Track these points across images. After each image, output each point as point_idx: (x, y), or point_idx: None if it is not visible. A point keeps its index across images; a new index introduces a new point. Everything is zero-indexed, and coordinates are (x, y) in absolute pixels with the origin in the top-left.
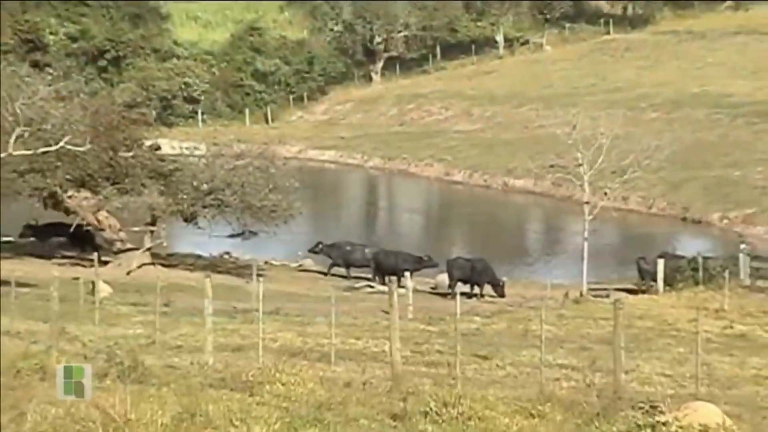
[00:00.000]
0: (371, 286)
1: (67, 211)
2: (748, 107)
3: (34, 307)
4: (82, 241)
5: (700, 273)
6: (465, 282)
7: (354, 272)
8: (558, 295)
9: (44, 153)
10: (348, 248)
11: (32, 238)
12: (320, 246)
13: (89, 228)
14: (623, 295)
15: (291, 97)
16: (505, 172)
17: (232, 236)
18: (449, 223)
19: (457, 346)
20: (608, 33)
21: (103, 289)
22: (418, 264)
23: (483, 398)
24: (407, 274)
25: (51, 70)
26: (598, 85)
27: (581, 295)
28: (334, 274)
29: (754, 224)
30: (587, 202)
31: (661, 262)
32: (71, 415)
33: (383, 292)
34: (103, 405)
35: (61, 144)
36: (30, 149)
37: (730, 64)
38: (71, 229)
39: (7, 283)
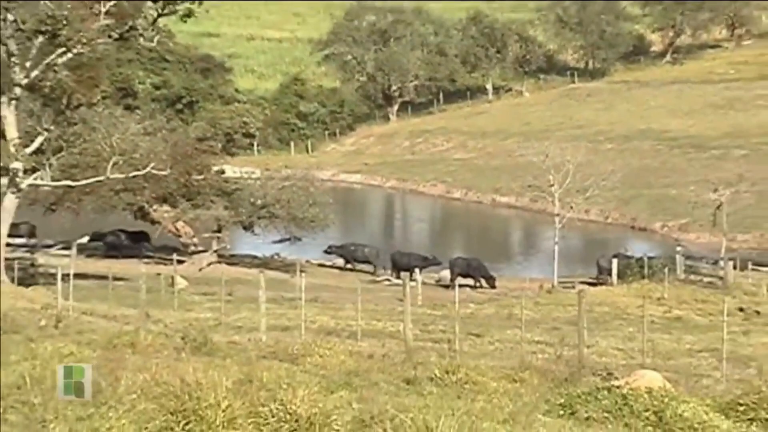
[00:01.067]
0: (389, 280)
1: (153, 221)
2: (682, 140)
3: (126, 296)
4: (141, 242)
5: (646, 269)
6: (463, 276)
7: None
8: (534, 287)
9: (134, 176)
10: (352, 248)
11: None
12: (332, 247)
13: (145, 232)
14: (585, 286)
15: (326, 132)
16: (493, 190)
17: (280, 241)
18: (450, 231)
19: (456, 326)
20: (573, 82)
21: (180, 282)
22: (425, 262)
23: (476, 367)
24: (417, 270)
25: (139, 112)
26: (566, 123)
27: (552, 286)
28: (359, 270)
29: (688, 231)
30: (557, 214)
31: (615, 261)
32: (155, 380)
33: (398, 285)
34: (181, 372)
35: (148, 169)
36: (123, 173)
37: (669, 107)
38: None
39: (105, 277)
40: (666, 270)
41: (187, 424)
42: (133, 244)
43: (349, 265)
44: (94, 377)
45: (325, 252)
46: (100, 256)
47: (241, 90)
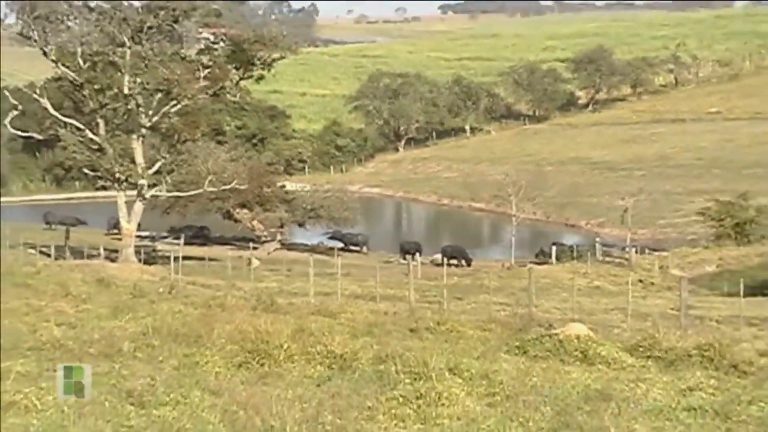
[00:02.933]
0: (399, 261)
1: (235, 221)
2: (601, 165)
3: (218, 272)
4: (205, 236)
5: (575, 253)
6: (450, 258)
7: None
8: (498, 266)
9: (223, 189)
10: (349, 235)
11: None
12: (335, 233)
13: (208, 227)
14: (533, 265)
15: (355, 159)
16: (470, 199)
17: (324, 234)
18: (440, 227)
19: (444, 292)
20: (525, 124)
21: (255, 262)
22: (418, 249)
23: (458, 320)
24: (417, 254)
25: (227, 145)
26: (520, 153)
27: (511, 265)
28: (354, 251)
29: (604, 227)
30: (514, 215)
31: (554, 248)
32: (238, 329)
33: (405, 264)
34: (255, 324)
35: (233, 184)
36: (216, 187)
37: (591, 142)
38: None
39: (203, 258)
40: (589, 254)
41: (259, 359)
42: (198, 234)
43: (347, 247)
44: (196, 327)
45: (329, 238)
46: (196, 244)
47: (297, 130)
